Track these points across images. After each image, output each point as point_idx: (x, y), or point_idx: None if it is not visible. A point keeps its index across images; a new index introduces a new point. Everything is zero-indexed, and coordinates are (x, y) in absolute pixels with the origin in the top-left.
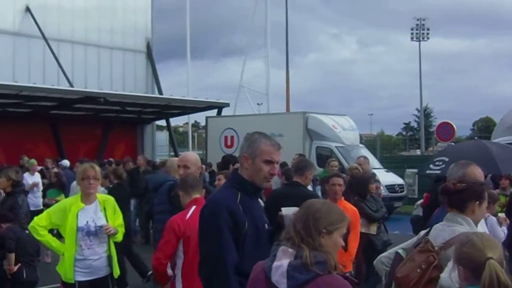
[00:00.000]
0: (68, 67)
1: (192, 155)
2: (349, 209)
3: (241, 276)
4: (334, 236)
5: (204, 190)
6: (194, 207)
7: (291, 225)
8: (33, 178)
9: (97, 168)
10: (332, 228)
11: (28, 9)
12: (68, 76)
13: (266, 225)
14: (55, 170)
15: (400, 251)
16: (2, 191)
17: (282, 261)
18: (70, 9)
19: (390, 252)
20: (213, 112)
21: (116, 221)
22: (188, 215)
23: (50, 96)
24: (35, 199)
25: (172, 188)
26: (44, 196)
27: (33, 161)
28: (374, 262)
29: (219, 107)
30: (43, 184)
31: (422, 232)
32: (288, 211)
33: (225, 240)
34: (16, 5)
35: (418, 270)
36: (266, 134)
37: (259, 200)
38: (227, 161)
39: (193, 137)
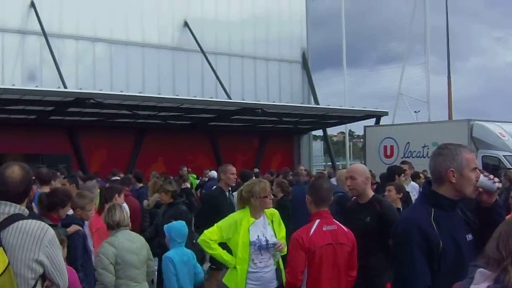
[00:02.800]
0: (226, 79)
1: (360, 165)
2: None
3: None
4: None
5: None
6: (318, 221)
7: (502, 244)
8: None
9: None
10: None
11: (186, 24)
12: (226, 88)
13: (468, 236)
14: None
15: None
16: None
17: (480, 285)
18: (226, 22)
19: None
20: (371, 121)
21: (280, 234)
22: (312, 231)
23: (209, 108)
24: None
25: (340, 200)
26: None
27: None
28: None
29: (378, 116)
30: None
31: None
32: (483, 181)
33: (416, 263)
34: (175, 21)
35: None
36: (457, 143)
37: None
38: (392, 172)
39: (348, 146)
